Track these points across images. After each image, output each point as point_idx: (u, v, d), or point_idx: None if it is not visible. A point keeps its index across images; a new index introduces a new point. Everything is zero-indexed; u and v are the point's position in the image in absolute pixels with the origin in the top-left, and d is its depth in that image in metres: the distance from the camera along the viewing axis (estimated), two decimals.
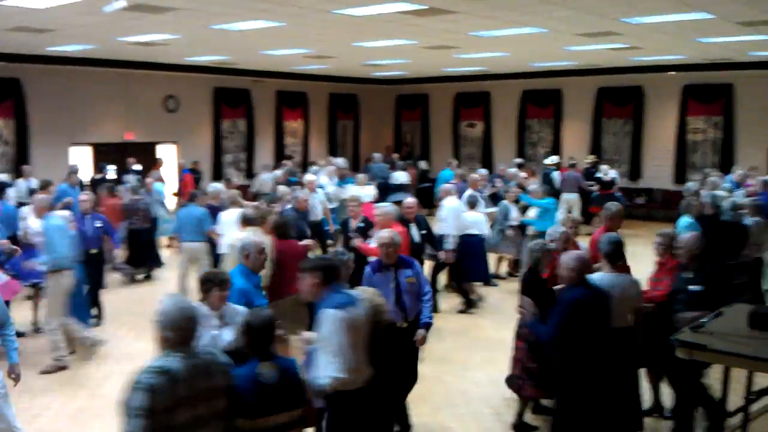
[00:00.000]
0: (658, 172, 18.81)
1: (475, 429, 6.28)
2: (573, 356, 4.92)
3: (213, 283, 4.82)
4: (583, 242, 7.73)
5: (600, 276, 5.44)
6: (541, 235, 8.89)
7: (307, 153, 22.08)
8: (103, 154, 16.93)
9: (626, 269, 5.90)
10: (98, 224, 9.22)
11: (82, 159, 16.43)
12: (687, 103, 18.60)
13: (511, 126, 21.76)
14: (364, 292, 4.70)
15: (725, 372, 4.77)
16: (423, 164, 20.84)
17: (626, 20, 10.29)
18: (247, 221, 8.05)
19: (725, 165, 17.55)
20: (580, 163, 17.21)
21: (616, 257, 5.48)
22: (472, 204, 10.34)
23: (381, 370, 4.51)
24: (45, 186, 11.18)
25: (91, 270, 8.92)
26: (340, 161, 16.00)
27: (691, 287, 5.50)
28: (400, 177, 17.69)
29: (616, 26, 10.84)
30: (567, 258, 5.04)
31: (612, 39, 12.42)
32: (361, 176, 13.98)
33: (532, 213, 11.52)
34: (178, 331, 3.33)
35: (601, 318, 4.97)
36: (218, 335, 4.70)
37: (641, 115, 19.38)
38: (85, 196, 9.43)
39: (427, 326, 5.72)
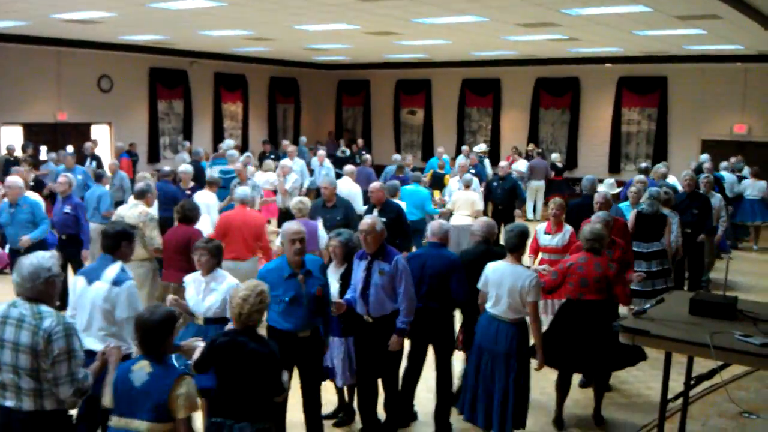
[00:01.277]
0: (593, 162, 19.20)
1: None
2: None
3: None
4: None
5: (496, 264, 5.55)
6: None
7: (246, 136, 21.80)
8: (35, 134, 16.36)
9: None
10: (67, 209, 8.75)
11: (13, 139, 15.82)
12: (622, 95, 19.05)
13: (451, 114, 21.91)
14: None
15: (666, 357, 4.88)
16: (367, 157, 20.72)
17: (565, 11, 10.44)
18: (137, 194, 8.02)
19: (658, 156, 18.06)
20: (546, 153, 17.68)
21: (515, 248, 5.53)
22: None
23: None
24: None
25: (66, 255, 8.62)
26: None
27: None
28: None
29: (556, 17, 10.98)
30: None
31: (551, 30, 12.59)
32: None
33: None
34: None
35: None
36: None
37: (578, 105, 19.77)
38: (63, 179, 8.96)
39: (401, 332, 5.45)
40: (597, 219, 6.76)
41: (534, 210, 16.71)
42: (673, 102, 18.39)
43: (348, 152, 19.32)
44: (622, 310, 6.52)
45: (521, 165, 16.55)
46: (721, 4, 8.76)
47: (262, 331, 4.81)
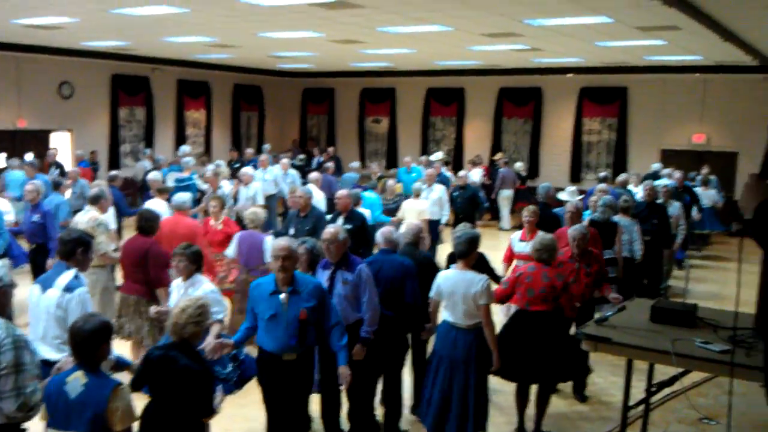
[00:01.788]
0: (554, 171, 19.38)
1: None
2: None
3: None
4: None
5: (447, 273, 5.58)
6: None
7: (209, 144, 21.63)
8: None
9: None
10: (35, 218, 8.58)
11: None
12: (583, 105, 19.29)
13: (416, 123, 21.98)
14: None
15: (628, 364, 4.94)
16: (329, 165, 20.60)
17: (529, 22, 10.54)
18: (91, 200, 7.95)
19: (618, 166, 18.33)
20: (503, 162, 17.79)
21: (463, 255, 5.53)
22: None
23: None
24: None
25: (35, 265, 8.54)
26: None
27: None
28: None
29: (519, 27, 11.09)
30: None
31: (514, 40, 12.71)
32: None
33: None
34: None
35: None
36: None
37: (540, 115, 19.96)
38: (31, 186, 8.80)
39: (364, 342, 5.39)
40: (575, 231, 6.70)
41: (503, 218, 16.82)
42: (633, 112, 18.67)
43: (305, 160, 19.29)
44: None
45: (475, 175, 16.21)
46: (682, 16, 8.92)
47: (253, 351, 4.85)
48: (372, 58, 16.95)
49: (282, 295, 4.86)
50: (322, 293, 5.05)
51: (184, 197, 8.42)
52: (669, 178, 12.97)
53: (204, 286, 5.22)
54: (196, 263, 5.34)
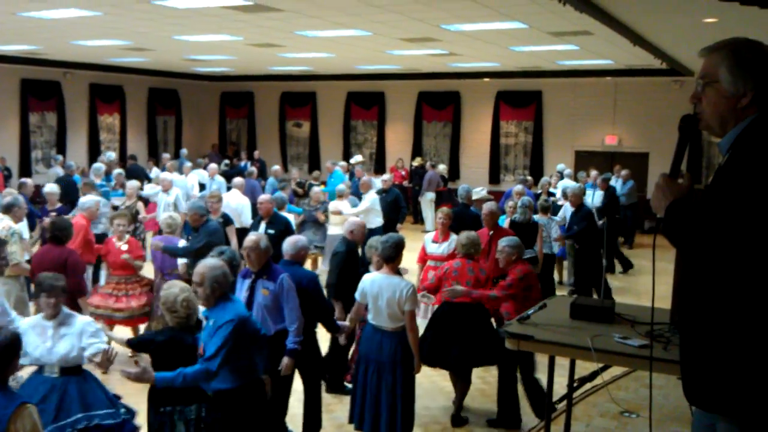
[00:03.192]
0: (474, 174, 19.68)
1: None
2: None
3: (40, 288, 4.60)
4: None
5: (372, 276, 5.60)
6: None
7: (124, 149, 21.02)
8: None
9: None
10: None
11: None
12: (500, 108, 19.67)
13: (337, 126, 21.96)
14: None
15: (550, 361, 5.03)
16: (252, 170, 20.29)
17: (446, 27, 10.67)
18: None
19: (535, 167, 18.77)
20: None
21: (390, 259, 5.56)
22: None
23: None
24: None
25: None
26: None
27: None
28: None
29: (437, 32, 11.21)
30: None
31: (432, 45, 12.85)
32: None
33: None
34: None
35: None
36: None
37: (459, 118, 20.27)
38: None
39: (291, 353, 5.25)
40: (505, 244, 6.46)
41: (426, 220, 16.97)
42: (548, 115, 19.15)
43: (229, 165, 19.05)
44: None
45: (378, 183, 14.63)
46: (593, 21, 9.17)
47: None
48: (291, 62, 16.84)
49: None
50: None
51: (92, 199, 8.31)
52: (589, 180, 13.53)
53: (79, 320, 4.84)
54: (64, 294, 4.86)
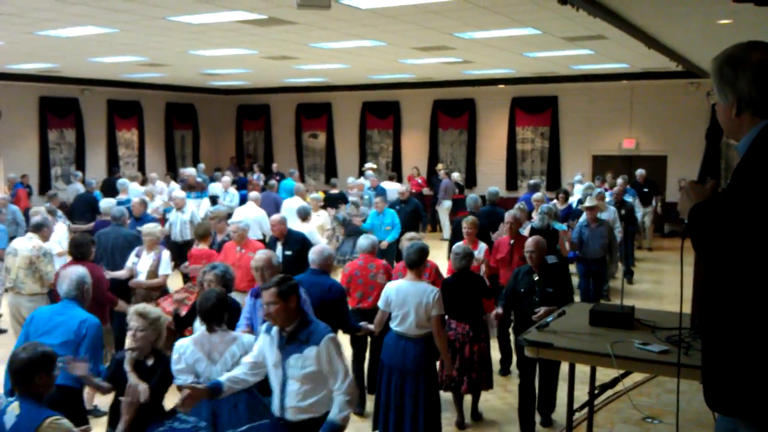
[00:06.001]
0: (491, 180, 19.60)
1: None
2: None
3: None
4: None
5: (397, 284, 5.60)
6: None
7: (143, 164, 21.23)
8: None
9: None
10: None
11: None
12: (516, 114, 19.64)
13: (353, 136, 22.02)
14: None
15: (570, 368, 5.01)
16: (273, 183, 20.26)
17: (459, 35, 10.67)
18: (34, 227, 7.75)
19: (552, 172, 18.71)
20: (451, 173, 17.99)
21: (414, 265, 5.60)
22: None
23: None
24: None
25: None
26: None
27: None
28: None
29: (450, 41, 11.22)
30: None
31: (446, 53, 12.85)
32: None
33: None
34: None
35: None
36: None
37: (475, 125, 20.24)
38: None
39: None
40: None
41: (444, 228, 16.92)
42: (564, 120, 19.08)
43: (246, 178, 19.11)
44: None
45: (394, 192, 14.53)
46: (607, 26, 9.14)
47: None
48: (306, 73, 16.92)
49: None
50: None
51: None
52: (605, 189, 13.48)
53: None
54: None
